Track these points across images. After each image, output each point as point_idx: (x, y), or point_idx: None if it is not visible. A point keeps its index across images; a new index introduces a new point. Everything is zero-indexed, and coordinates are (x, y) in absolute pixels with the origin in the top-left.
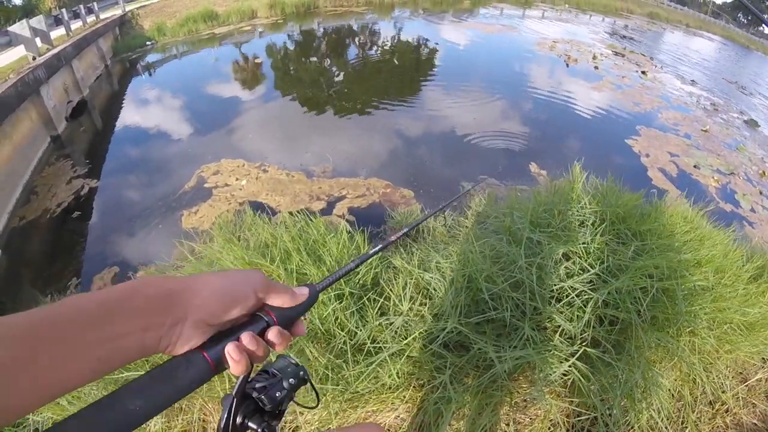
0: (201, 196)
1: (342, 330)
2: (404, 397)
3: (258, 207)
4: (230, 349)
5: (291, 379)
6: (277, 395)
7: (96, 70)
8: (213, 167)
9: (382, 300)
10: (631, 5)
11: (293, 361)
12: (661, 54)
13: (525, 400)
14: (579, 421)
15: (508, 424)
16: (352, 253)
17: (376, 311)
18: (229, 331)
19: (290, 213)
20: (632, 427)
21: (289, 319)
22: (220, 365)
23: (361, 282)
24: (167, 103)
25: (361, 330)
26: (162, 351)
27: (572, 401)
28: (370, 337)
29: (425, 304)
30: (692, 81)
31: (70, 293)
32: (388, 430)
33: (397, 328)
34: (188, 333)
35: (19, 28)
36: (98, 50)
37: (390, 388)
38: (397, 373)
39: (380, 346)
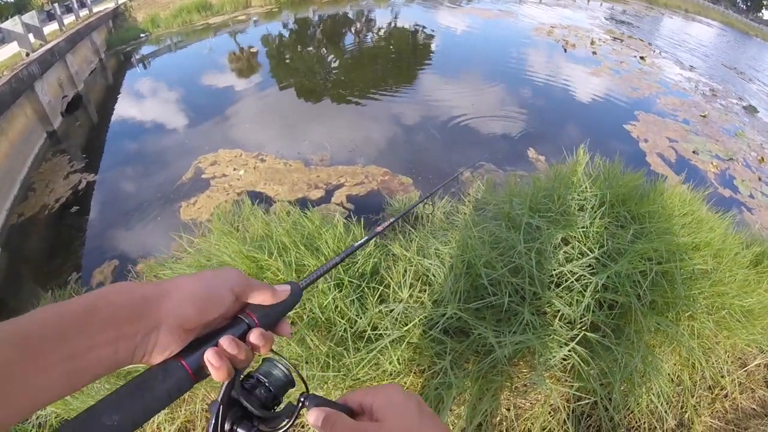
0: (199, 187)
1: (342, 318)
2: (405, 383)
3: (256, 197)
4: (209, 356)
5: (278, 382)
6: (264, 399)
7: (90, 64)
8: (210, 158)
9: (382, 288)
10: None
11: (279, 364)
12: (660, 39)
13: (525, 385)
14: (579, 405)
15: (508, 409)
16: (349, 244)
17: (376, 299)
18: (208, 337)
19: (288, 202)
20: (632, 411)
21: (271, 320)
22: (200, 372)
23: (360, 271)
24: (163, 95)
25: (361, 318)
26: (138, 362)
27: (572, 385)
28: (371, 325)
29: (425, 291)
30: (691, 66)
31: (71, 288)
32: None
33: (398, 315)
34: (164, 340)
35: (12, 24)
36: (92, 44)
37: (391, 374)
38: (398, 359)
39: (380, 334)
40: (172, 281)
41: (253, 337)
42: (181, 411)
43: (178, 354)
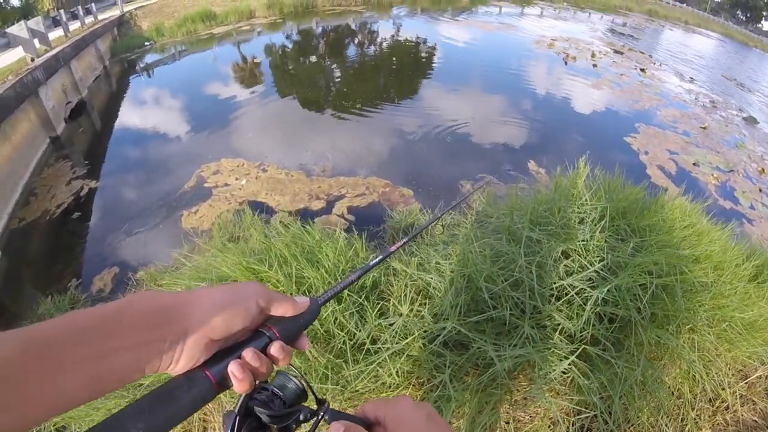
0: (201, 196)
1: (342, 330)
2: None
3: (258, 207)
4: (233, 368)
5: (292, 395)
6: (280, 412)
7: (94, 71)
8: (213, 167)
9: (382, 302)
10: (629, 3)
11: (293, 377)
12: (660, 51)
13: (525, 398)
14: (579, 418)
15: (508, 422)
16: (349, 258)
17: (375, 312)
18: (231, 349)
19: (289, 213)
20: (632, 425)
21: (290, 334)
22: (223, 383)
23: (360, 284)
24: (166, 103)
25: (360, 330)
26: (165, 369)
27: (572, 399)
28: (370, 337)
29: (425, 305)
30: (691, 78)
31: (71, 294)
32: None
33: (398, 328)
34: (191, 349)
35: (18, 29)
36: (96, 51)
37: (390, 386)
38: (397, 371)
39: (380, 347)
40: (198, 291)
41: (274, 350)
42: None
43: (203, 365)
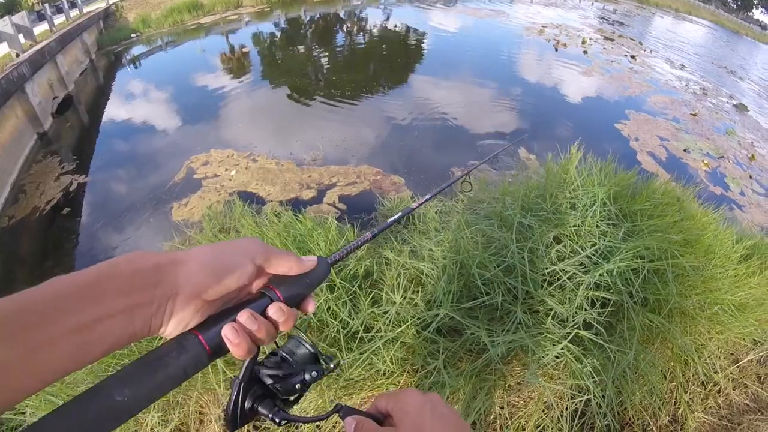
0: (191, 188)
1: (335, 319)
2: (398, 382)
3: (248, 197)
4: (226, 331)
5: (313, 372)
6: (296, 386)
7: (81, 65)
8: (202, 158)
9: (375, 291)
10: None
11: (307, 345)
12: (651, 38)
13: (519, 383)
14: (572, 402)
15: (502, 407)
16: (340, 246)
17: (368, 301)
18: (228, 311)
19: (280, 202)
20: (625, 408)
21: (296, 295)
22: (218, 349)
23: (352, 273)
24: (154, 95)
25: (354, 319)
26: (155, 333)
27: (565, 383)
28: (363, 325)
29: (418, 292)
30: (681, 65)
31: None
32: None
33: (391, 316)
34: (181, 310)
35: (1, 25)
36: (82, 44)
37: (384, 374)
38: (391, 359)
39: (373, 335)
40: (187, 250)
41: (273, 311)
42: (175, 414)
43: (195, 328)
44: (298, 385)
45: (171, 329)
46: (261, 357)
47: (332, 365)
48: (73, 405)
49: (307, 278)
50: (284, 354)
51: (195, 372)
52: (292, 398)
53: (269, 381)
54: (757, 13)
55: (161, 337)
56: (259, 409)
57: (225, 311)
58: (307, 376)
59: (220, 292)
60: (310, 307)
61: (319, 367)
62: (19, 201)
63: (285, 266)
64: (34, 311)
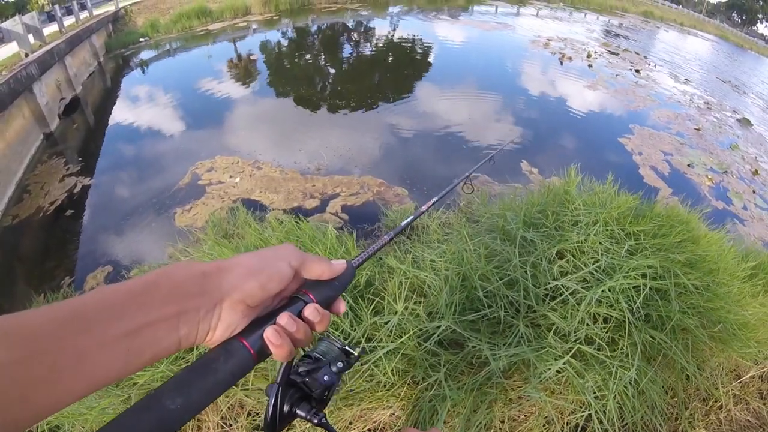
0: (195, 194)
1: (336, 330)
2: (399, 394)
3: (251, 205)
4: (269, 334)
5: (338, 363)
6: (324, 379)
7: (89, 67)
8: (207, 164)
9: (376, 300)
10: (625, 4)
11: (337, 344)
12: (655, 52)
13: (520, 397)
14: (573, 417)
15: (503, 421)
16: (340, 255)
17: (370, 311)
18: (267, 316)
19: (283, 211)
20: (626, 424)
21: (327, 298)
22: (261, 352)
23: (353, 284)
24: (161, 100)
25: (355, 329)
26: (201, 340)
27: (567, 398)
28: (365, 336)
29: (420, 303)
30: (686, 80)
31: (64, 292)
32: (383, 428)
33: (392, 327)
34: (227, 316)
35: (12, 24)
36: (91, 47)
37: (385, 385)
38: (392, 370)
39: (375, 345)
40: (232, 258)
41: (309, 312)
42: None
43: (239, 334)
44: (326, 378)
45: (219, 335)
46: (295, 360)
47: (356, 354)
48: (130, 414)
49: (337, 281)
50: (318, 355)
51: (241, 376)
52: (326, 396)
53: (301, 380)
54: (762, 28)
55: (207, 348)
56: (297, 411)
57: (264, 316)
58: (333, 368)
59: (263, 297)
60: (341, 307)
61: (345, 359)
62: (23, 201)
63: (318, 270)
64: (83, 317)
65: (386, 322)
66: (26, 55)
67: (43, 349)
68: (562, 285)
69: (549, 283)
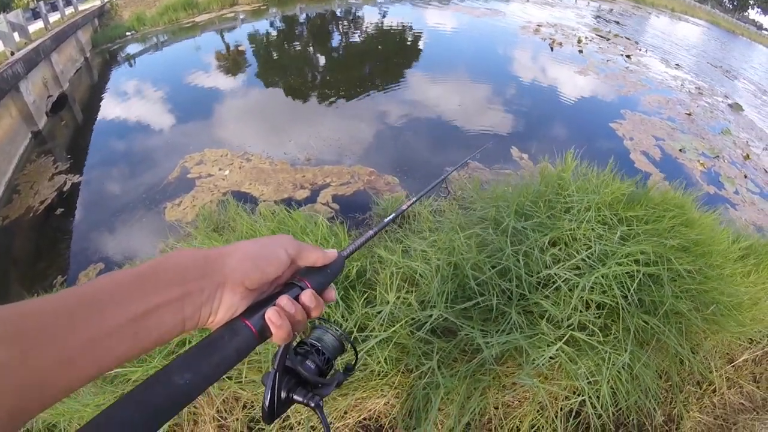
0: (184, 188)
1: (329, 319)
2: (393, 383)
3: (241, 197)
4: (270, 314)
5: (331, 347)
6: (319, 364)
7: (76, 63)
8: (196, 157)
9: (368, 291)
10: None
11: (330, 330)
12: (646, 38)
13: (513, 383)
14: (567, 403)
15: (496, 407)
16: (332, 245)
17: (362, 301)
18: (267, 299)
19: (274, 202)
20: (620, 408)
21: (320, 285)
22: (262, 333)
23: (344, 274)
24: (149, 94)
25: (347, 320)
26: (204, 322)
27: (560, 384)
28: (357, 326)
29: (412, 292)
30: (677, 65)
31: (56, 291)
32: (378, 416)
33: (385, 316)
34: (229, 298)
35: None
36: (77, 42)
37: (378, 374)
38: (385, 359)
39: (368, 335)
40: (230, 245)
41: (306, 297)
42: None
43: (241, 315)
44: (320, 362)
45: (220, 317)
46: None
47: (351, 339)
48: (142, 389)
49: (329, 269)
50: (313, 341)
51: (246, 354)
52: (320, 383)
53: (297, 366)
54: (753, 14)
55: (210, 331)
56: (294, 397)
57: (263, 300)
58: (326, 352)
59: (262, 280)
60: (332, 294)
61: (337, 340)
62: (12, 201)
63: (312, 258)
64: (93, 302)
65: (378, 312)
66: (12, 54)
67: (55, 335)
68: (554, 273)
69: (541, 272)
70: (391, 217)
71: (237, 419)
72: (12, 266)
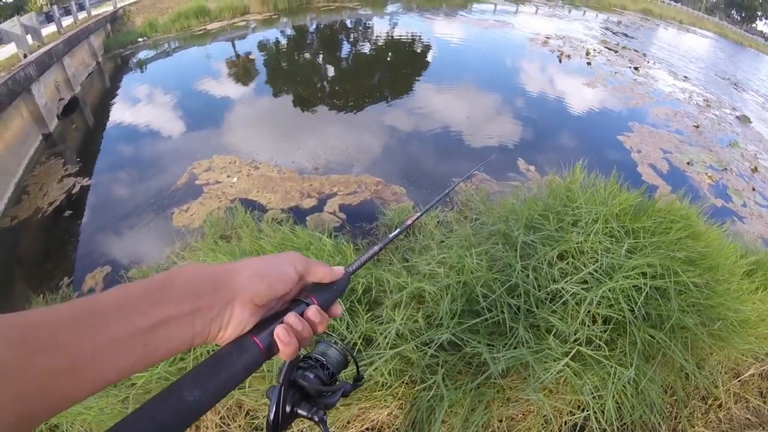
0: (192, 194)
1: (333, 332)
2: (397, 394)
3: (249, 204)
4: (279, 331)
5: (335, 361)
6: (323, 379)
7: (87, 67)
8: (205, 164)
9: (375, 309)
10: (624, 1)
11: (334, 345)
12: (654, 50)
13: (518, 397)
14: (572, 417)
15: (500, 420)
16: (337, 263)
17: (367, 317)
18: (274, 316)
19: (281, 210)
20: (625, 424)
21: (326, 301)
22: (270, 349)
23: (350, 289)
24: (159, 99)
25: (352, 333)
26: (214, 337)
27: (565, 398)
28: (362, 337)
29: (419, 309)
30: (684, 77)
31: (62, 293)
32: (381, 427)
33: (391, 336)
34: (238, 315)
35: (10, 25)
36: (90, 47)
37: (382, 385)
38: (389, 371)
39: (373, 354)
40: (241, 260)
41: (311, 313)
42: None
43: (249, 332)
44: (324, 377)
45: (230, 333)
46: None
47: (354, 352)
48: (151, 405)
49: (335, 286)
50: (317, 356)
51: (253, 370)
52: (327, 394)
53: (301, 380)
54: (761, 25)
55: (218, 345)
56: (299, 411)
57: (271, 317)
58: (331, 367)
59: (270, 297)
60: (338, 310)
61: (341, 355)
62: (21, 202)
63: (320, 275)
64: (101, 313)
65: (387, 323)
66: (25, 56)
67: (62, 342)
68: (562, 288)
69: (549, 287)
70: (396, 232)
71: (240, 426)
72: (19, 266)
